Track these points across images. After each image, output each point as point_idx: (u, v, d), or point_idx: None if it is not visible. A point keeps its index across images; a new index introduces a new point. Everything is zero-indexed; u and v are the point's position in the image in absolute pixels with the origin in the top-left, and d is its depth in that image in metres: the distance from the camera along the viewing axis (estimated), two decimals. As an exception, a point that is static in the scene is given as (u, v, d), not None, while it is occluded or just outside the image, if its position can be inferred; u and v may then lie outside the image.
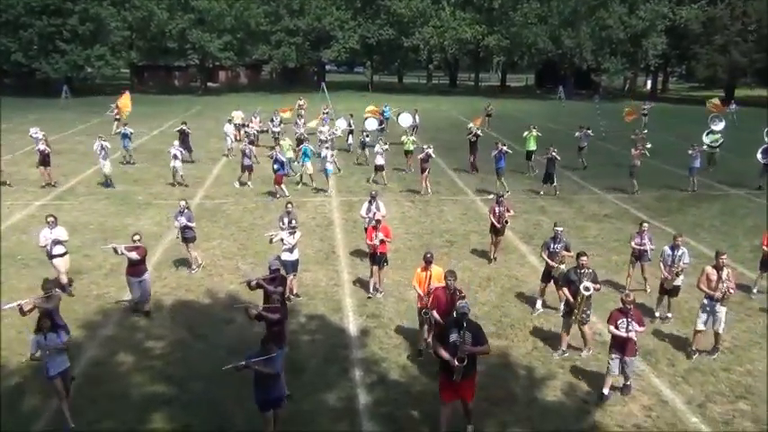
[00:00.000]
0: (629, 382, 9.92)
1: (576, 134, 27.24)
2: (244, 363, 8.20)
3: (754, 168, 25.52)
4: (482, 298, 13.47)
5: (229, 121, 29.62)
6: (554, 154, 21.66)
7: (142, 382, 10.18)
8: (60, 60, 54.45)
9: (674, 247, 12.37)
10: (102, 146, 22.39)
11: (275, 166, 21.34)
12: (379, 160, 23.48)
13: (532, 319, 12.55)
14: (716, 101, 31.85)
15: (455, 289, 9.88)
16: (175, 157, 22.64)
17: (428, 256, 10.94)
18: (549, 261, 12.57)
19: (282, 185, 21.59)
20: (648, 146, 23.77)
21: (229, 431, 8.92)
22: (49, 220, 13.28)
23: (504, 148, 22.25)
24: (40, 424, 9.03)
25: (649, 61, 62.43)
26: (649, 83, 77.04)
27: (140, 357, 10.97)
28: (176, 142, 23.66)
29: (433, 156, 22.18)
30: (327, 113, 33.08)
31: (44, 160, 22.45)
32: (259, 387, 8.34)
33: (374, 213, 14.51)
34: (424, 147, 22.43)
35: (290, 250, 13.04)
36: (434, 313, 10.02)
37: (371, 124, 30.76)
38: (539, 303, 13.00)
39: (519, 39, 61.11)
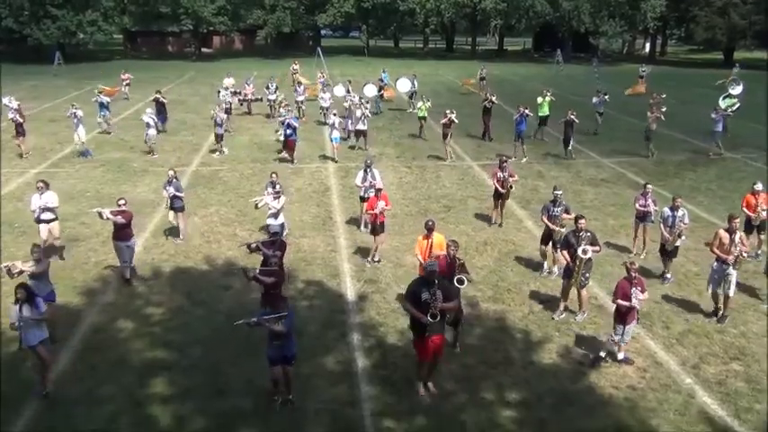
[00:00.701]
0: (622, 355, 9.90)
1: (594, 99, 26.66)
2: (255, 319, 8.41)
3: (752, 132, 25.53)
4: (479, 263, 13.53)
5: (223, 89, 29.09)
6: (573, 117, 21.65)
7: (142, 348, 10.26)
8: (52, 26, 53.73)
9: (673, 209, 12.46)
10: (74, 114, 21.71)
11: (287, 131, 21.16)
12: (361, 125, 23.09)
13: (529, 283, 12.63)
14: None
15: (454, 257, 9.91)
16: (148, 125, 21.99)
17: (429, 223, 10.99)
18: (549, 224, 12.63)
19: (292, 152, 21.52)
20: (663, 109, 23.66)
21: (228, 394, 9.02)
22: (38, 185, 13.18)
23: (527, 111, 22.07)
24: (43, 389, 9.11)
25: (648, 24, 61.77)
26: (648, 45, 76.39)
27: (140, 324, 11.04)
28: (150, 110, 22.94)
29: (456, 121, 21.90)
30: (324, 81, 32.76)
31: (17, 130, 21.83)
32: (272, 344, 8.58)
33: (370, 183, 14.43)
34: (447, 111, 22.05)
35: (275, 215, 13.19)
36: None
37: (371, 90, 30.20)
38: (545, 265, 13.12)
39: (516, 1, 60.41)
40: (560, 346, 10.37)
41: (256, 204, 13.68)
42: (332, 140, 21.93)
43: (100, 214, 12.34)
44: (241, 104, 30.31)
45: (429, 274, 8.68)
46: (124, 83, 36.34)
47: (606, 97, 26.81)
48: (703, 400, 8.96)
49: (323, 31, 79.51)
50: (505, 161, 15.69)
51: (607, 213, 16.73)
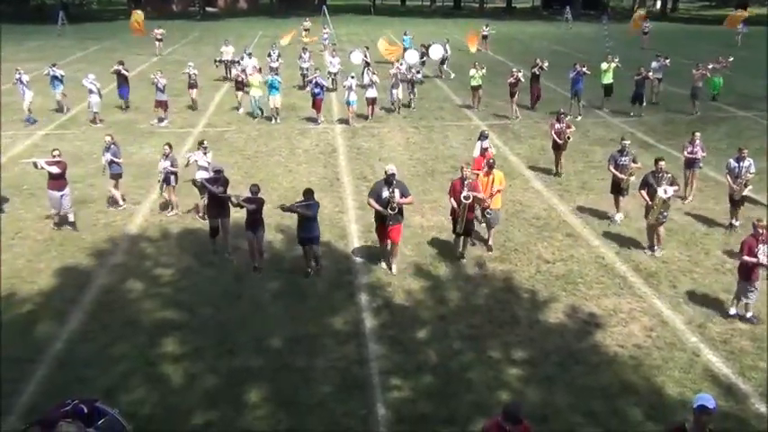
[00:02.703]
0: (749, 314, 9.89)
1: (653, 64, 24.07)
2: (289, 205, 10.88)
3: (763, 90, 25.15)
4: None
5: (218, 61, 28.02)
6: (647, 73, 21.96)
7: (152, 309, 10.39)
8: (55, -15, 53.19)
9: (739, 159, 12.88)
10: (20, 79, 21.12)
11: (315, 90, 21.04)
12: (371, 92, 21.75)
13: (536, 243, 12.64)
14: (740, 13, 30.69)
15: (465, 179, 11.31)
16: (91, 92, 20.88)
17: (491, 161, 12.19)
18: (617, 173, 13.17)
19: (319, 111, 21.53)
20: (711, 66, 23.43)
21: (238, 354, 9.15)
22: None
23: (584, 69, 21.82)
24: (54, 349, 9.27)
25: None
26: (659, 2, 74.89)
27: (150, 284, 11.16)
28: (91, 75, 21.29)
29: (522, 80, 21.70)
30: (327, 39, 32.25)
31: None
32: (301, 228, 10.95)
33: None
34: (514, 70, 21.89)
35: (206, 169, 13.21)
36: (489, 210, 11.98)
37: (413, 56, 27.64)
38: (617, 216, 13.51)
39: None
40: (566, 306, 10.42)
41: (187, 161, 13.56)
42: (348, 103, 21.36)
43: (35, 164, 12.97)
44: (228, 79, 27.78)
45: (389, 177, 10.91)
46: (156, 38, 36.66)
47: (667, 62, 24.38)
48: (708, 358, 9.03)
49: (328, -11, 78.26)
50: (563, 113, 16.52)
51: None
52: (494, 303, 10.51)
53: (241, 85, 22.83)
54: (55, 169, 12.70)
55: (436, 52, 29.36)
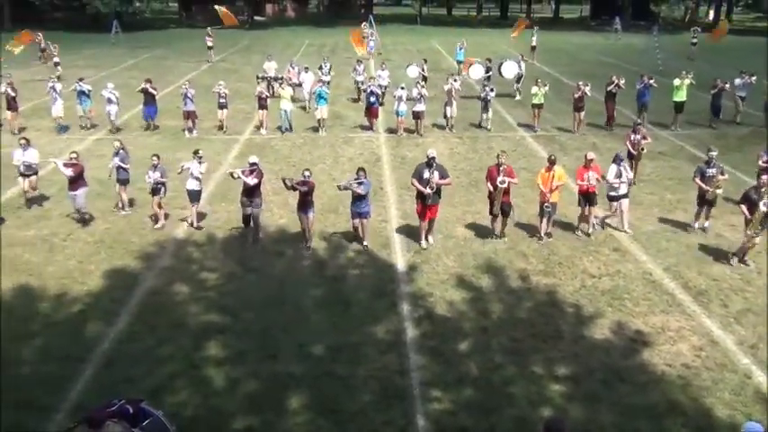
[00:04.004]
0: None
1: (737, 81, 22.67)
2: (344, 184, 12.26)
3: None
4: (530, 234, 13.38)
5: (260, 79, 25.20)
6: (724, 85, 21.45)
7: (197, 312, 10.55)
8: (110, -6, 55.01)
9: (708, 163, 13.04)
10: (53, 87, 21.09)
11: (371, 99, 21.32)
12: (419, 106, 21.07)
13: (581, 257, 12.45)
14: None
15: (501, 165, 12.48)
16: (110, 101, 20.97)
17: (552, 157, 12.93)
18: (703, 185, 13.05)
19: (375, 119, 21.74)
20: None
21: (280, 359, 9.22)
22: (21, 142, 14.75)
23: (652, 81, 21.44)
24: (102, 348, 9.48)
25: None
26: (712, 12, 73.27)
27: (195, 288, 11.34)
28: (110, 84, 21.54)
29: (588, 94, 20.99)
30: (373, 48, 32.22)
31: (9, 105, 21.15)
32: (354, 204, 12.39)
33: (627, 178, 13.38)
34: (580, 84, 21.07)
35: (198, 179, 13.50)
36: (549, 205, 12.82)
37: (477, 72, 26.63)
38: (696, 224, 13.56)
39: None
40: (612, 322, 10.22)
41: (181, 169, 13.62)
42: (398, 114, 21.32)
43: (56, 164, 13.81)
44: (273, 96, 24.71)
45: (430, 160, 12.17)
46: (208, 44, 37.93)
47: (753, 79, 22.74)
48: (760, 381, 8.73)
49: (375, -1, 78.88)
50: (639, 124, 16.52)
51: (664, 187, 16.30)
52: (537, 317, 10.37)
53: (264, 103, 21.80)
54: (69, 172, 13.30)
55: (510, 70, 26.74)
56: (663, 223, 13.94)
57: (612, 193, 13.26)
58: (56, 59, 32.17)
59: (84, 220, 13.81)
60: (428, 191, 12.07)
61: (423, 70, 27.18)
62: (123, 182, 14.46)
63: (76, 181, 13.43)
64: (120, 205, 14.64)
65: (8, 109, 21.30)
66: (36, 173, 14.98)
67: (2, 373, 8.77)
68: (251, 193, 12.80)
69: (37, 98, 25.34)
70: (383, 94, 25.56)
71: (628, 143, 16.00)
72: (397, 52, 42.27)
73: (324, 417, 8.08)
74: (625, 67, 32.62)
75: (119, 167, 14.24)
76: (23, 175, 14.71)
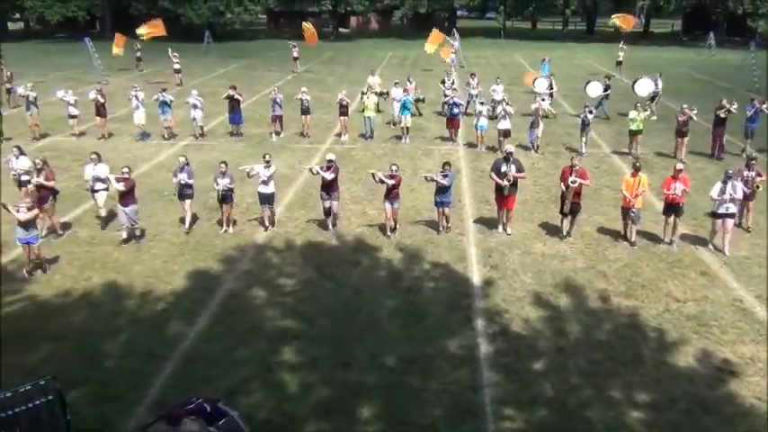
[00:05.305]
0: None
1: None
2: (430, 176, 13.69)
3: None
4: (612, 255, 12.99)
5: (365, 93, 23.70)
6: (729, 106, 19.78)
7: (274, 316, 10.76)
8: (203, 6, 57.58)
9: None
10: (136, 96, 21.79)
11: (454, 110, 21.61)
12: (503, 124, 20.38)
13: (666, 280, 11.96)
14: None
15: (575, 166, 13.17)
16: (195, 107, 21.75)
17: (637, 164, 13.41)
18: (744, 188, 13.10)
19: (457, 131, 22.00)
20: None
21: (353, 368, 9.27)
22: (92, 157, 14.26)
23: (764, 106, 19.73)
24: (182, 347, 9.80)
25: (816, 4, 56.00)
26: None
27: (273, 293, 11.58)
28: (194, 92, 22.39)
29: (695, 118, 19.50)
30: (455, 61, 32.15)
31: (99, 111, 22.01)
32: (437, 194, 13.70)
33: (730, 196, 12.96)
34: (684, 107, 19.63)
35: (266, 183, 13.81)
36: (636, 210, 13.21)
37: (595, 89, 24.93)
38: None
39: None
40: (698, 349, 9.76)
41: (248, 173, 14.08)
42: (477, 128, 21.14)
43: (107, 179, 13.88)
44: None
45: (507, 155, 13.57)
46: (293, 55, 39.51)
47: None
48: None
49: (459, 12, 78.81)
50: (753, 159, 14.60)
51: (759, 211, 15.45)
52: (617, 340, 10.03)
53: (345, 110, 22.17)
54: (120, 186, 13.07)
55: (644, 88, 25.00)
56: (757, 249, 13.25)
57: (717, 210, 12.89)
58: (176, 65, 34.47)
59: (133, 236, 13.68)
60: (505, 182, 13.23)
61: (656, 86, 25.02)
62: (187, 197, 14.01)
63: (126, 196, 13.21)
64: (186, 225, 14.19)
65: (97, 115, 22.22)
66: (107, 189, 14.25)
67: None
68: (329, 187, 13.84)
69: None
70: (470, 103, 25.26)
71: (739, 180, 14.04)
72: (480, 66, 42.01)
73: (394, 428, 8.06)
74: (718, 84, 31.27)
75: (185, 184, 13.87)
76: (95, 191, 14.28)
